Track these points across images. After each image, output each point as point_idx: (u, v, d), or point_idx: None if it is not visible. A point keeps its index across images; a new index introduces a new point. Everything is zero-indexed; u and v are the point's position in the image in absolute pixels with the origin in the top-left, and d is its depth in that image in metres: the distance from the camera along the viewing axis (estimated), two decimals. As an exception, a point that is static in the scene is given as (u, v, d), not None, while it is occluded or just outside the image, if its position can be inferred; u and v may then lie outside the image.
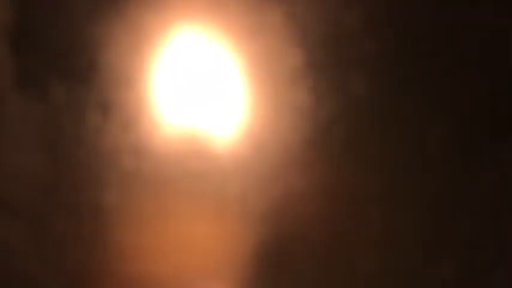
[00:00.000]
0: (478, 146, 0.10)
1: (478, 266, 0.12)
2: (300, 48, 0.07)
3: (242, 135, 0.07)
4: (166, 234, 0.08)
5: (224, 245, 0.08)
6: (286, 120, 0.07)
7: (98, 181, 0.07)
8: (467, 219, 0.10)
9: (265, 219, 0.08)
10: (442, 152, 0.10)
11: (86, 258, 0.08)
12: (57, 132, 0.06)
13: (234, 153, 0.07)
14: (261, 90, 0.07)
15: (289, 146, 0.07)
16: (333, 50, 0.07)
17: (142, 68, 0.07)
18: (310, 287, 0.09)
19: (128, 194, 0.07)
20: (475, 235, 0.11)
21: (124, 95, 0.07)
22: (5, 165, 0.07)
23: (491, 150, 0.10)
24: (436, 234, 0.10)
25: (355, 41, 0.08)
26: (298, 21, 0.07)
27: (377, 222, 0.09)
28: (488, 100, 0.10)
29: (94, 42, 0.07)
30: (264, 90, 0.07)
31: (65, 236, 0.08)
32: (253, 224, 0.08)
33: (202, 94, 0.07)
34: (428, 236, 0.10)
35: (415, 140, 0.09)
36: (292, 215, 0.08)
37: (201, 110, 0.07)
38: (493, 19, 0.08)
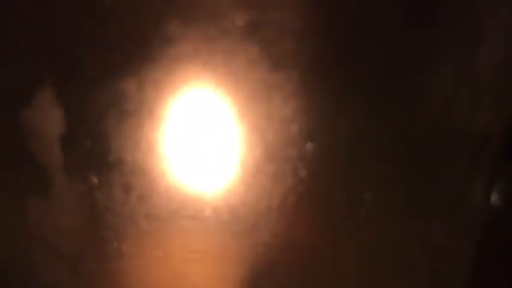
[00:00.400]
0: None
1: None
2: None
3: (233, 185, 0.08)
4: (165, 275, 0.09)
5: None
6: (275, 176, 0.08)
7: (119, 235, 0.08)
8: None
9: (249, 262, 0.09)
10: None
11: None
12: (93, 203, 0.07)
13: (226, 202, 0.08)
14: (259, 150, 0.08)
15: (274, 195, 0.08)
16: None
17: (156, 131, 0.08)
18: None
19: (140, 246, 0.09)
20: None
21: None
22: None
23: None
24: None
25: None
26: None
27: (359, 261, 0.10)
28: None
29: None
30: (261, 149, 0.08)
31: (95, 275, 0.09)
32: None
33: (205, 154, 0.08)
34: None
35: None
36: (277, 260, 0.09)
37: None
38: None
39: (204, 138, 0.08)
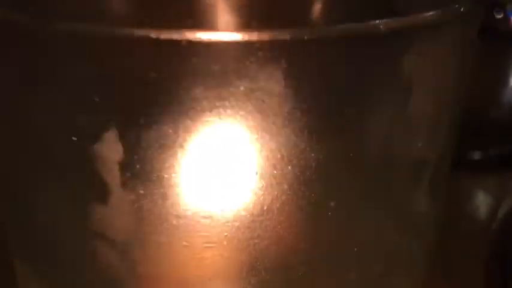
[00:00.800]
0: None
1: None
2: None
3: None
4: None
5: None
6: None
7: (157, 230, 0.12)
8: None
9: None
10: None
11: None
12: (139, 208, 0.11)
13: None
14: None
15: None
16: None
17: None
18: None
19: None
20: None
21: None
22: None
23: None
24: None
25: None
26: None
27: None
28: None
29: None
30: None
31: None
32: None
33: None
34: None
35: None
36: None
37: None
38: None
39: (220, 163, 0.11)
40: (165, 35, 0.10)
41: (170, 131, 0.11)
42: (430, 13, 0.12)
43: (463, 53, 0.13)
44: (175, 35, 0.10)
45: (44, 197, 0.13)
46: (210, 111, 0.11)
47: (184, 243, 0.12)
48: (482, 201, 0.37)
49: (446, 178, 0.15)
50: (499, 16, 0.40)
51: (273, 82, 0.10)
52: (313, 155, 0.11)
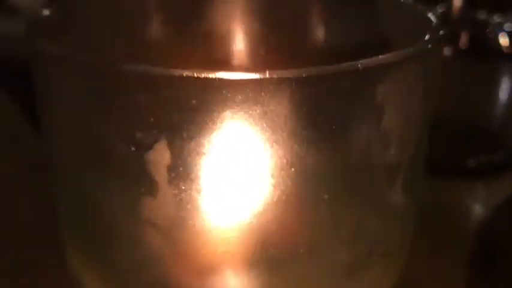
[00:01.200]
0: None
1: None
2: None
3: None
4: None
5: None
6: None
7: (193, 217, 0.16)
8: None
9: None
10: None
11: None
12: (180, 200, 0.15)
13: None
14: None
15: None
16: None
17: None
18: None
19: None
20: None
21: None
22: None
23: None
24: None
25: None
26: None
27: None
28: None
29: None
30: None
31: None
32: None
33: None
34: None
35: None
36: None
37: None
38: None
39: (241, 166, 0.15)
40: (204, 74, 0.14)
41: (205, 142, 0.15)
42: (399, 53, 0.16)
43: (427, 80, 0.17)
44: (211, 75, 0.14)
45: (105, 192, 0.17)
46: (235, 128, 0.14)
47: (214, 226, 0.16)
48: (472, 204, 0.40)
49: (418, 178, 0.19)
50: (490, 35, 0.44)
51: (280, 107, 0.14)
52: (310, 160, 0.15)
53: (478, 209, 0.39)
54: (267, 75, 0.14)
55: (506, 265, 0.32)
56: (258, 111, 0.14)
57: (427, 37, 0.17)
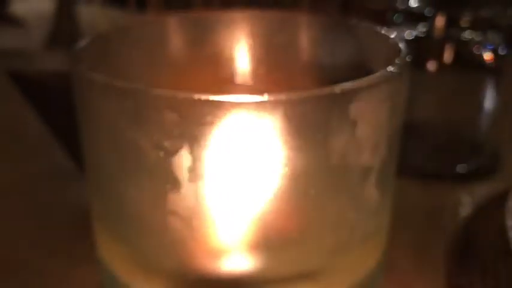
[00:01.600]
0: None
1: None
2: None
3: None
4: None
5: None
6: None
7: (210, 208, 0.20)
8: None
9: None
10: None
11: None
12: (199, 195, 0.20)
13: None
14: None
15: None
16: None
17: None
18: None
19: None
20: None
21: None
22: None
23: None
24: None
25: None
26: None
27: None
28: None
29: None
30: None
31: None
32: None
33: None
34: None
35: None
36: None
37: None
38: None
39: (248, 168, 0.19)
40: (217, 98, 0.18)
41: (219, 149, 0.19)
42: (369, 78, 0.20)
43: (394, 98, 0.21)
44: (221, 98, 0.18)
45: (137, 189, 0.21)
46: (240, 138, 0.19)
47: (227, 216, 0.20)
48: (457, 204, 0.44)
49: (390, 178, 0.23)
50: (476, 52, 0.48)
51: (276, 122, 0.19)
52: (299, 162, 0.20)
53: (465, 210, 0.43)
54: (265, 98, 0.18)
55: (480, 259, 0.36)
56: (258, 125, 0.19)
57: (394, 63, 0.21)
